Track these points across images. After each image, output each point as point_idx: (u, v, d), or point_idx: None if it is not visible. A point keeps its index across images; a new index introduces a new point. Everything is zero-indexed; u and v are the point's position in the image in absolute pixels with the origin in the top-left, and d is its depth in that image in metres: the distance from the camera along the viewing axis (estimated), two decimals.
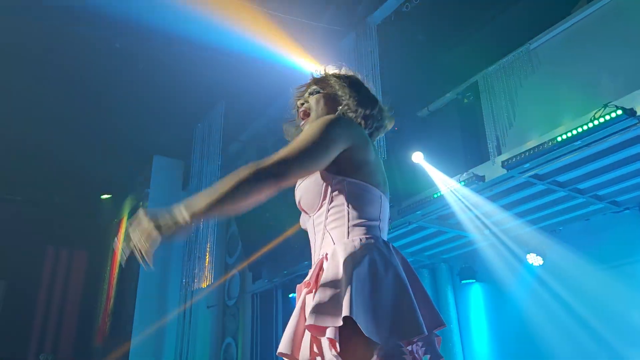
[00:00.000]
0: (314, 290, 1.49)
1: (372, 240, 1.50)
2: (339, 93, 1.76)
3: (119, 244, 1.40)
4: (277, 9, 6.01)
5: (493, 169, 4.96)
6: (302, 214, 1.71)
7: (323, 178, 1.58)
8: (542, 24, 4.98)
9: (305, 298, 1.53)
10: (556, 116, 4.67)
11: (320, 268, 1.52)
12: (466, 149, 5.53)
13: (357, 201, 1.56)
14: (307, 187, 1.61)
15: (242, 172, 1.41)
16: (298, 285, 1.64)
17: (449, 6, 5.92)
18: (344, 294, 1.33)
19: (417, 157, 5.58)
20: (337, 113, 1.73)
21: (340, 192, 1.57)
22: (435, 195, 5.35)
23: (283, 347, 1.49)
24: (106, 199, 11.29)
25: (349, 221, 1.54)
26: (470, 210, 5.44)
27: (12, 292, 10.48)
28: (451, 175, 5.28)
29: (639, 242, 5.33)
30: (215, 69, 7.13)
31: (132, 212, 10.13)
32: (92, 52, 6.78)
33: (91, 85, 7.36)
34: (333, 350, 1.32)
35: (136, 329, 8.42)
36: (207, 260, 7.38)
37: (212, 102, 7.96)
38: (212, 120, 8.07)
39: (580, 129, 4.23)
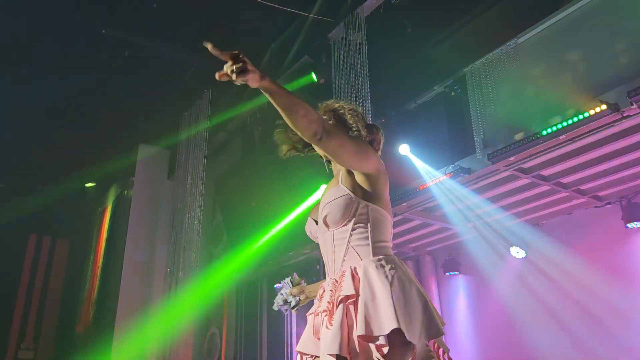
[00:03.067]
0: (352, 300, 1.72)
1: (393, 259, 1.80)
2: (350, 122, 2.00)
3: None
4: None
5: (479, 162, 4.98)
6: (319, 227, 1.96)
7: (352, 201, 1.85)
8: (530, 19, 5.01)
9: (338, 301, 1.74)
10: (542, 110, 4.70)
11: (353, 277, 1.76)
12: (452, 142, 5.55)
13: (377, 225, 1.86)
14: (338, 205, 1.85)
15: (308, 107, 1.59)
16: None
17: None
18: (388, 309, 1.62)
19: (404, 149, 5.59)
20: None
21: (363, 215, 1.85)
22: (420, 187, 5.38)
23: (304, 347, 1.86)
24: (90, 187, 11.18)
25: (372, 241, 1.83)
26: (455, 202, 5.47)
27: None
28: (437, 168, 5.30)
29: (619, 236, 5.42)
30: (201, 57, 7.07)
31: (117, 201, 10.04)
32: (77, 39, 6.68)
33: (76, 71, 7.24)
34: (378, 353, 1.60)
35: (120, 319, 8.37)
36: (193, 249, 7.34)
37: (198, 91, 7.90)
38: (198, 110, 8.01)
39: (564, 123, 4.28)
